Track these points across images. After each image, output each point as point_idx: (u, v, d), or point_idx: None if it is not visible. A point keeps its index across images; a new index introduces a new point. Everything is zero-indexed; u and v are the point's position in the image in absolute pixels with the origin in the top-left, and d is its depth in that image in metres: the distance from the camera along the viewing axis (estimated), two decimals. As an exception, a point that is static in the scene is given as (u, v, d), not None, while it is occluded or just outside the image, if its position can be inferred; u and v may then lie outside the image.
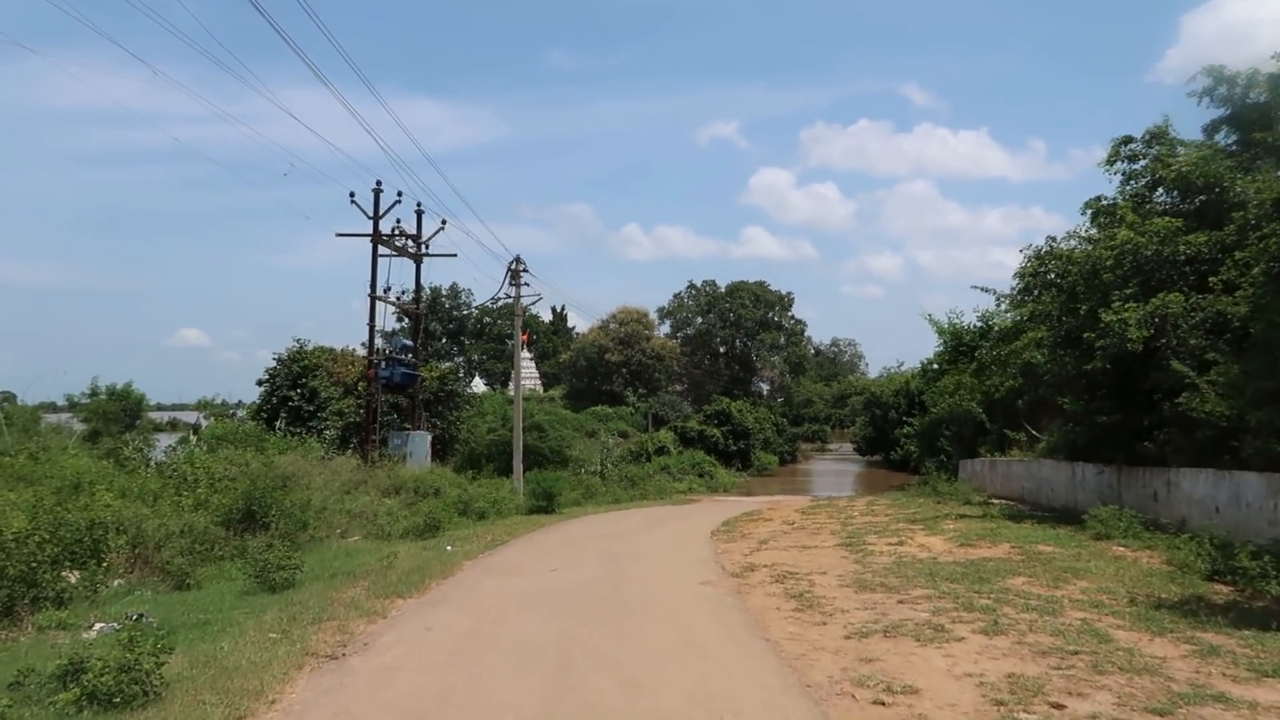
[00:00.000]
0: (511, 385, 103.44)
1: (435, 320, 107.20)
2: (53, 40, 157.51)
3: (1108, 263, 19.02)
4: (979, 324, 41.18)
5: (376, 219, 27.72)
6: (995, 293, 28.66)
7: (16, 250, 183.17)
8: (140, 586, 12.81)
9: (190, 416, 57.88)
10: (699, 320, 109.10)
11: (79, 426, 60.75)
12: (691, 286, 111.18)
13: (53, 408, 71.02)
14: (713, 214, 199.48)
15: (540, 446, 39.94)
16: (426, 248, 30.34)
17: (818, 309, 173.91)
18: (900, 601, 10.95)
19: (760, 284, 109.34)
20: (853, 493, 43.35)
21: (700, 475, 52.66)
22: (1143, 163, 21.45)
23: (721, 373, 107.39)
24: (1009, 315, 32.69)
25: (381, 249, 29.07)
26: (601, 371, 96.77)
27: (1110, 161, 22.00)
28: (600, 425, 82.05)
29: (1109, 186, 29.37)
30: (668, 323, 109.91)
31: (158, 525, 14.15)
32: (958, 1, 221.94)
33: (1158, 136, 21.62)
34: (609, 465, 47.30)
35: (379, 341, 29.07)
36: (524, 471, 37.23)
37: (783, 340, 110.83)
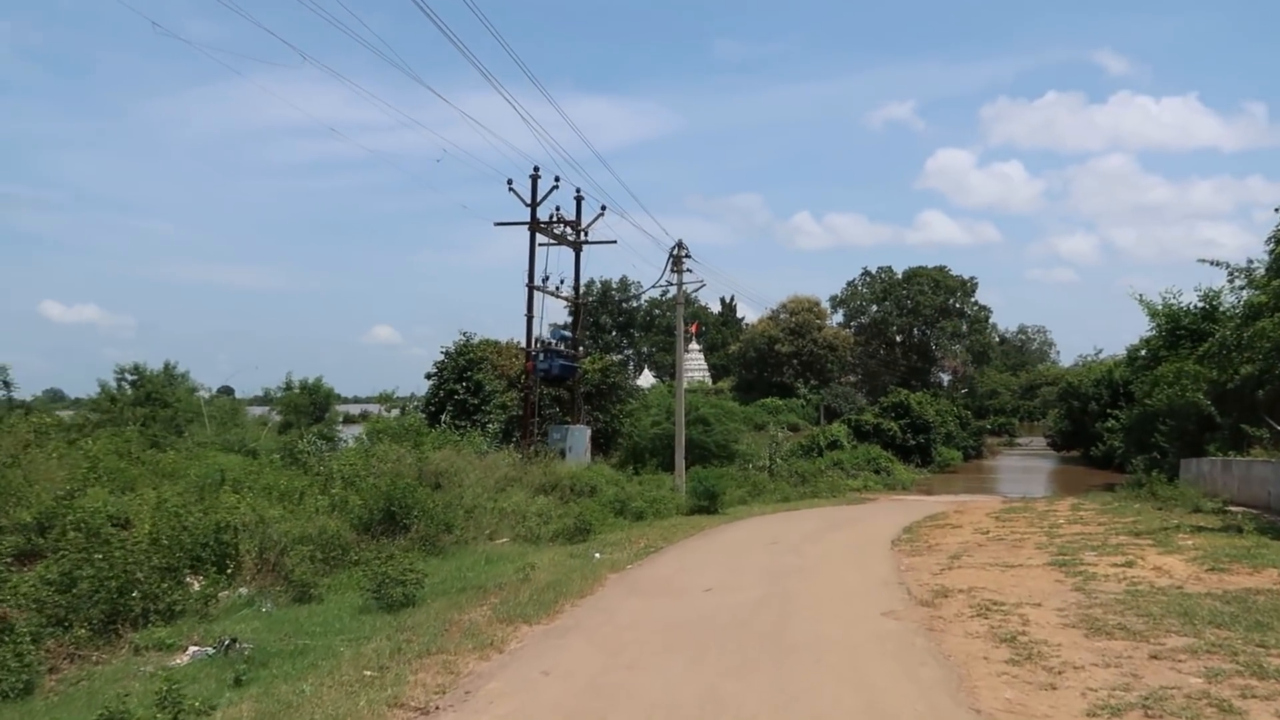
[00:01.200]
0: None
1: (605, 313, 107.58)
2: (253, 62, 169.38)
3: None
4: (1201, 305, 36.15)
5: (534, 206, 26.58)
6: (1228, 265, 24.40)
7: (233, 255, 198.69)
8: (261, 597, 11.76)
9: (376, 410, 59.58)
10: (874, 308, 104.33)
11: (277, 419, 63.95)
12: (866, 273, 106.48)
13: (262, 400, 75.58)
14: (886, 199, 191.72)
15: (705, 441, 38.07)
16: (585, 235, 29.02)
17: (1002, 295, 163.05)
18: (1154, 657, 8.28)
19: (940, 269, 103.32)
20: (1049, 493, 39.10)
21: (876, 471, 49.34)
22: None
23: (898, 363, 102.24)
24: (1245, 292, 28.11)
25: (540, 238, 27.99)
26: (771, 363, 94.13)
27: None
28: (770, 418, 79.58)
29: None
30: (840, 312, 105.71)
31: (286, 529, 13.14)
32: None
33: None
34: (778, 460, 44.90)
35: (542, 333, 28.00)
36: (687, 468, 35.58)
37: (965, 328, 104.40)
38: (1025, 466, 64.30)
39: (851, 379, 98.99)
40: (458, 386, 34.29)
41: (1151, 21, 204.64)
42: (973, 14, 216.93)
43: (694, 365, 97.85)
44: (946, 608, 10.94)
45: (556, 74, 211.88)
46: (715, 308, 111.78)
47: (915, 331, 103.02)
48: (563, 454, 27.66)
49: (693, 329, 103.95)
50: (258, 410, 66.72)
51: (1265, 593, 11.35)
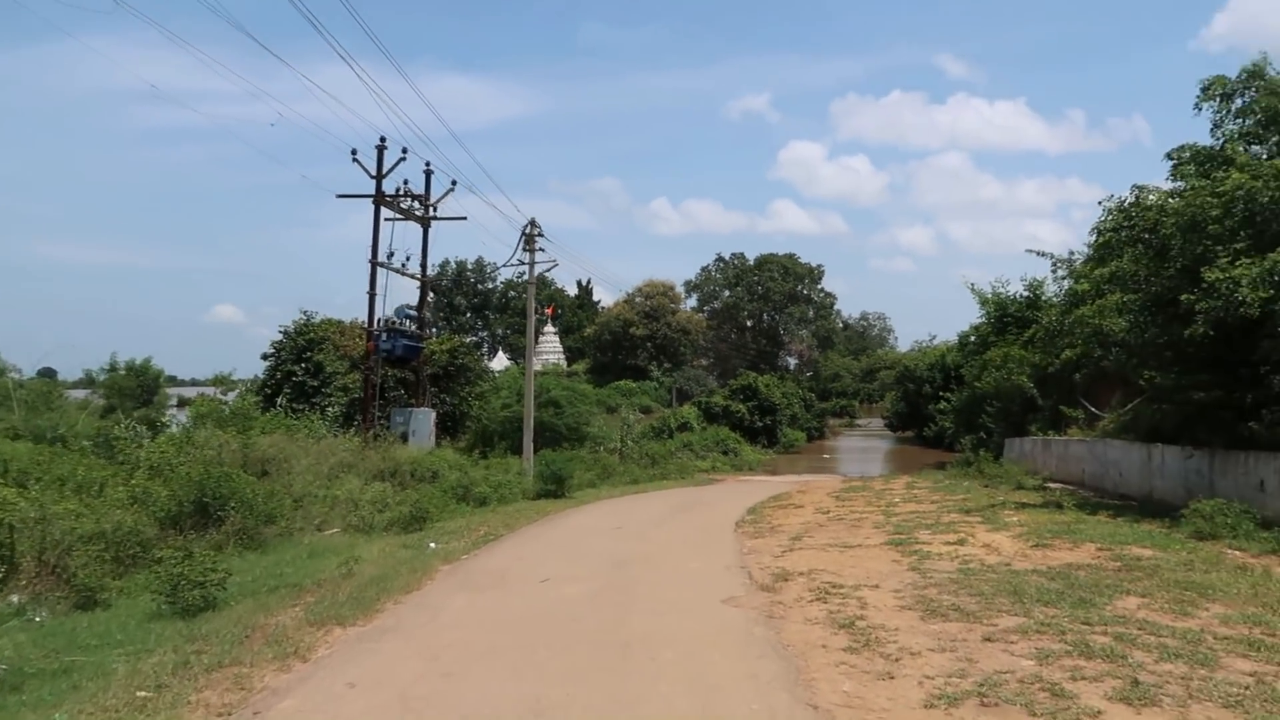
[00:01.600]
0: (534, 359, 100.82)
1: (460, 294, 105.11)
2: (85, 22, 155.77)
3: (1214, 212, 15.92)
4: (1026, 294, 38.03)
5: (379, 178, 25.05)
6: (1052, 256, 25.43)
7: (64, 228, 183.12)
8: (36, 605, 10.29)
9: (210, 393, 55.91)
10: (726, 293, 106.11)
11: (100, 402, 58.98)
12: (719, 259, 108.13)
13: (85, 383, 69.66)
14: (742, 188, 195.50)
15: (556, 423, 37.34)
16: (434, 211, 27.66)
17: (847, 283, 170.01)
18: (988, 639, 8.16)
19: (790, 256, 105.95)
20: (886, 472, 40.45)
21: (725, 453, 49.89)
22: (1241, 100, 18.25)
23: (748, 347, 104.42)
24: (1066, 282, 29.56)
25: (387, 213, 26.48)
26: (626, 346, 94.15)
27: (1202, 102, 18.79)
28: (624, 400, 79.52)
29: (1192, 135, 25.32)
30: (694, 296, 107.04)
31: (71, 526, 11.62)
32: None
33: (1255, 75, 18.39)
34: (629, 442, 44.69)
35: (387, 312, 26.50)
36: (538, 451, 34.79)
37: (811, 314, 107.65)
38: (864, 447, 66.69)
39: (704, 362, 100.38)
40: (296, 368, 32.30)
41: (988, 29, 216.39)
42: (827, 11, 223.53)
43: (549, 348, 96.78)
44: (787, 592, 10.66)
45: (418, 52, 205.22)
46: (572, 290, 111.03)
47: (765, 316, 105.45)
48: (405, 438, 26.36)
49: (548, 311, 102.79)
50: (81, 393, 61.57)
51: (1085, 567, 11.62)
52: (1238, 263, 15.01)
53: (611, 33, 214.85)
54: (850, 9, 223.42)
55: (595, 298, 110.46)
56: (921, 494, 23.80)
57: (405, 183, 26.69)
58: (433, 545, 14.71)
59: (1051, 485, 24.87)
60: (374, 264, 25.03)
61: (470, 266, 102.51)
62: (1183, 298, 15.99)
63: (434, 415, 27.04)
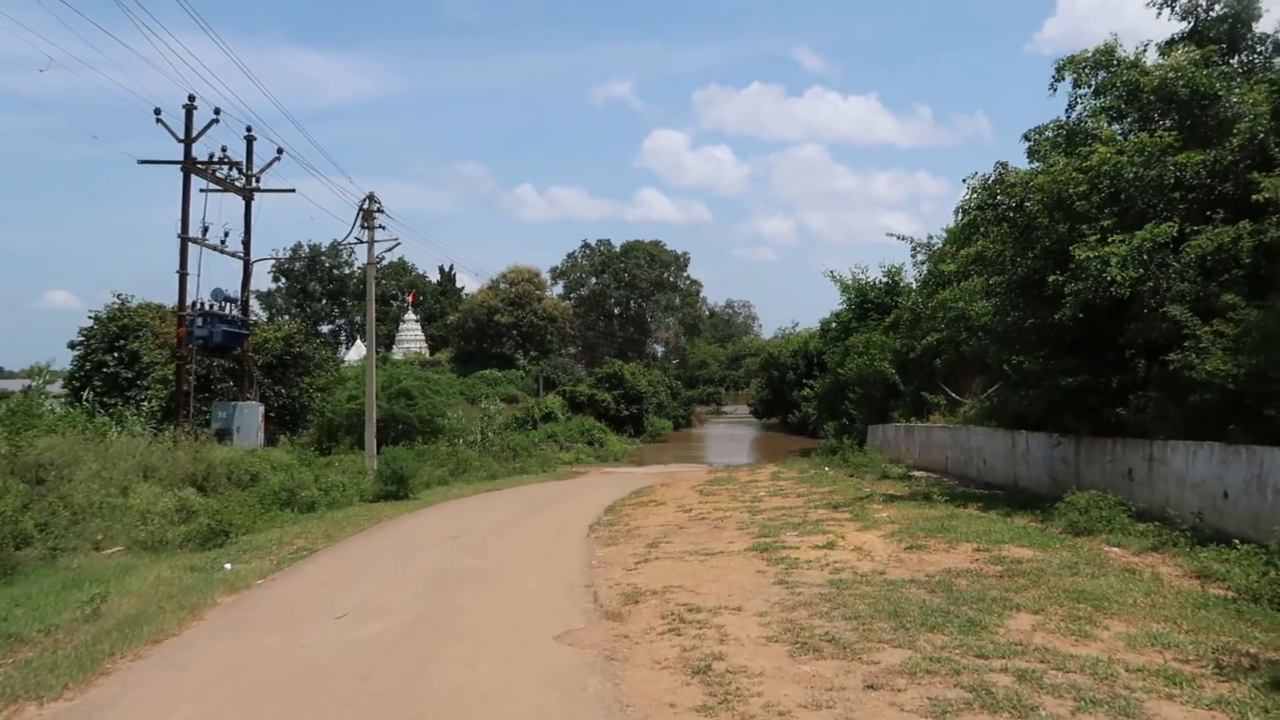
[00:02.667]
0: (395, 347, 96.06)
1: (314, 279, 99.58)
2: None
3: (1079, 188, 15.11)
4: (886, 280, 37.77)
5: (188, 142, 21.95)
6: (912, 241, 24.68)
7: None
8: None
9: (16, 385, 50.20)
10: (593, 281, 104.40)
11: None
12: (586, 246, 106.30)
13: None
14: (607, 175, 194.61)
15: (408, 416, 34.72)
16: (258, 182, 24.66)
17: (712, 271, 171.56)
18: (870, 686, 6.60)
19: (656, 244, 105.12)
20: (752, 461, 39.65)
21: (590, 443, 48.29)
22: (1100, 76, 17.58)
23: (616, 335, 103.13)
24: (925, 267, 29.08)
25: (207, 185, 23.38)
26: (491, 334, 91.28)
27: (1057, 81, 18.10)
28: (489, 390, 76.82)
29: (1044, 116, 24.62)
30: (561, 283, 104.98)
31: None
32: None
33: (1108, 53, 17.78)
34: (490, 434, 42.45)
35: (202, 295, 23.39)
36: (387, 446, 32.23)
37: (678, 301, 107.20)
38: (732, 434, 66.40)
39: (572, 350, 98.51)
40: (108, 358, 28.64)
41: (842, 25, 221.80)
42: (687, 1, 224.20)
43: (410, 336, 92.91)
44: (636, 619, 8.93)
45: (267, 25, 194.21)
46: (434, 277, 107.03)
47: (632, 304, 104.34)
48: (220, 435, 23.42)
49: (409, 299, 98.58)
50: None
51: (965, 574, 10.37)
52: (1108, 241, 14.21)
53: (475, 11, 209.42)
54: None
55: (459, 284, 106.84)
56: (787, 485, 22.68)
57: (224, 150, 23.71)
58: (228, 566, 12.33)
59: (916, 474, 24.20)
60: (184, 239, 21.94)
61: (324, 250, 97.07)
62: (1050, 278, 15.14)
63: (262, 410, 24.18)
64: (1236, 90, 15.37)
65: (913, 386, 29.48)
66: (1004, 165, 17.50)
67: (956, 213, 17.73)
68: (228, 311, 23.74)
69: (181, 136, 21.78)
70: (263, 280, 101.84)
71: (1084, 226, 15.15)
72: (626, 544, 13.89)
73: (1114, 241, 14.07)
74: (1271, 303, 12.33)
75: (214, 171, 22.43)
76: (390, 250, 25.96)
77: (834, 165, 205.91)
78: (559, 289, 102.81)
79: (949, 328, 21.05)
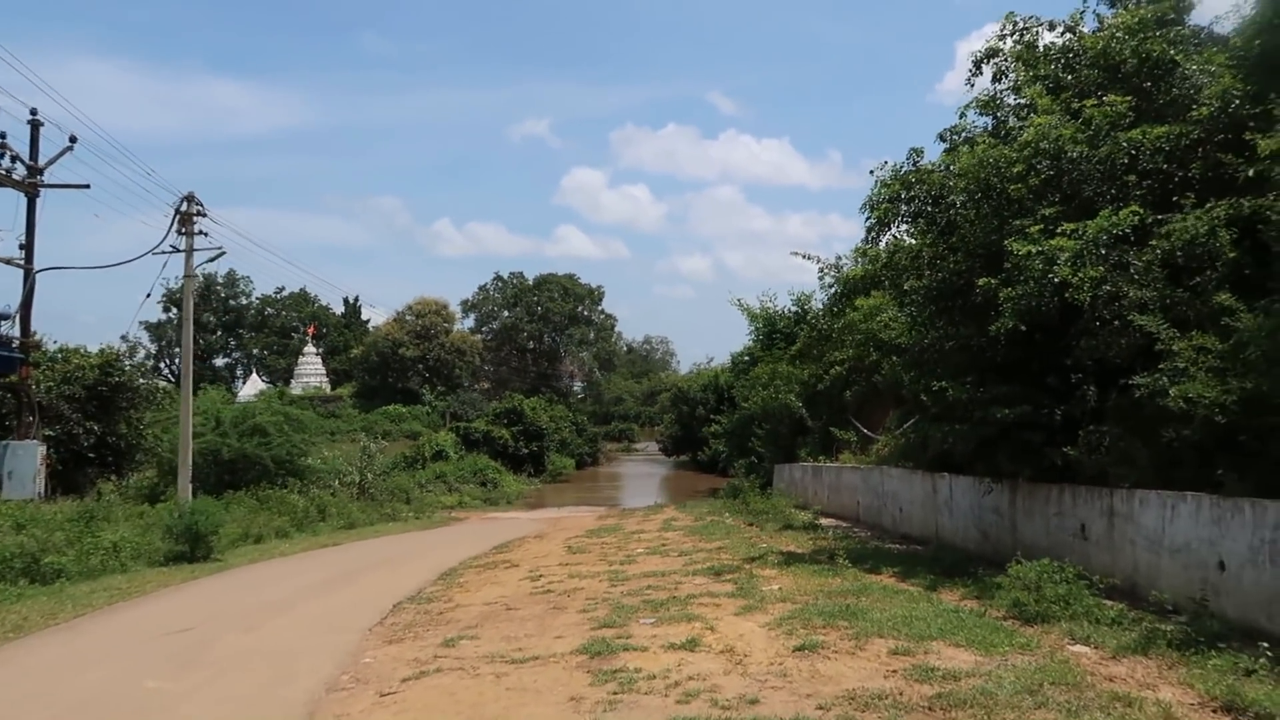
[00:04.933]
0: (294, 382, 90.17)
1: (208, 310, 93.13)
2: None
3: (1014, 169, 11.87)
4: (795, 308, 34.64)
5: (-70, 120, 17.54)
6: (819, 259, 21.28)
7: None
8: None
9: None
10: (505, 314, 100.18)
11: None
12: (498, 278, 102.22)
13: None
14: (527, 211, 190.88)
15: (261, 456, 29.98)
16: (42, 176, 20.13)
17: (631, 309, 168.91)
18: None
19: (569, 277, 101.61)
20: (652, 503, 35.85)
21: (484, 484, 43.97)
22: (1010, 43, 14.42)
23: (529, 369, 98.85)
24: (834, 289, 25.88)
25: None
26: (396, 367, 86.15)
27: (975, 76, 14.94)
28: (392, 426, 71.76)
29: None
30: (472, 316, 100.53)
31: None
32: (758, 13, 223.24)
33: (1026, 29, 14.67)
34: (369, 475, 37.85)
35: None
36: (234, 491, 27.60)
37: (592, 335, 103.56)
38: (641, 473, 62.52)
39: (485, 385, 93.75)
40: None
41: (753, 70, 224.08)
42: (605, 41, 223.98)
43: (310, 370, 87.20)
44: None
45: (181, 52, 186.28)
46: (339, 308, 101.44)
47: (545, 338, 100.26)
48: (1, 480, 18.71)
49: (309, 331, 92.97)
50: None
51: (879, 704, 6.69)
52: (1054, 233, 10.96)
53: (393, 45, 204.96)
54: (626, 41, 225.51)
55: (364, 316, 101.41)
56: (674, 539, 18.93)
57: (2, 136, 19.19)
58: None
59: (824, 522, 20.71)
60: (-78, 239, 17.41)
61: (220, 280, 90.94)
62: (980, 282, 11.83)
63: (42, 451, 19.49)
64: (1196, 57, 12.38)
65: (821, 421, 26.18)
66: (918, 152, 14.26)
67: (862, 210, 14.39)
68: (-2, 330, 19.19)
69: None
70: (152, 311, 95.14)
71: (1019, 220, 11.94)
72: (419, 639, 9.88)
73: (1063, 233, 10.81)
74: (1271, 307, 9.13)
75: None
76: (214, 260, 21.59)
77: (749, 205, 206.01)
78: (470, 322, 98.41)
79: (857, 350, 17.74)
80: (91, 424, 25.14)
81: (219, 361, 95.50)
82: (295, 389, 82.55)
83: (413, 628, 10.55)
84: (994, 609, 9.82)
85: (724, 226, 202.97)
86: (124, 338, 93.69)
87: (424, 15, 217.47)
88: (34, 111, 19.96)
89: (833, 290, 20.79)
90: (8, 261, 19.43)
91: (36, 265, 20.08)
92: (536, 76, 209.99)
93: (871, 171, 14.69)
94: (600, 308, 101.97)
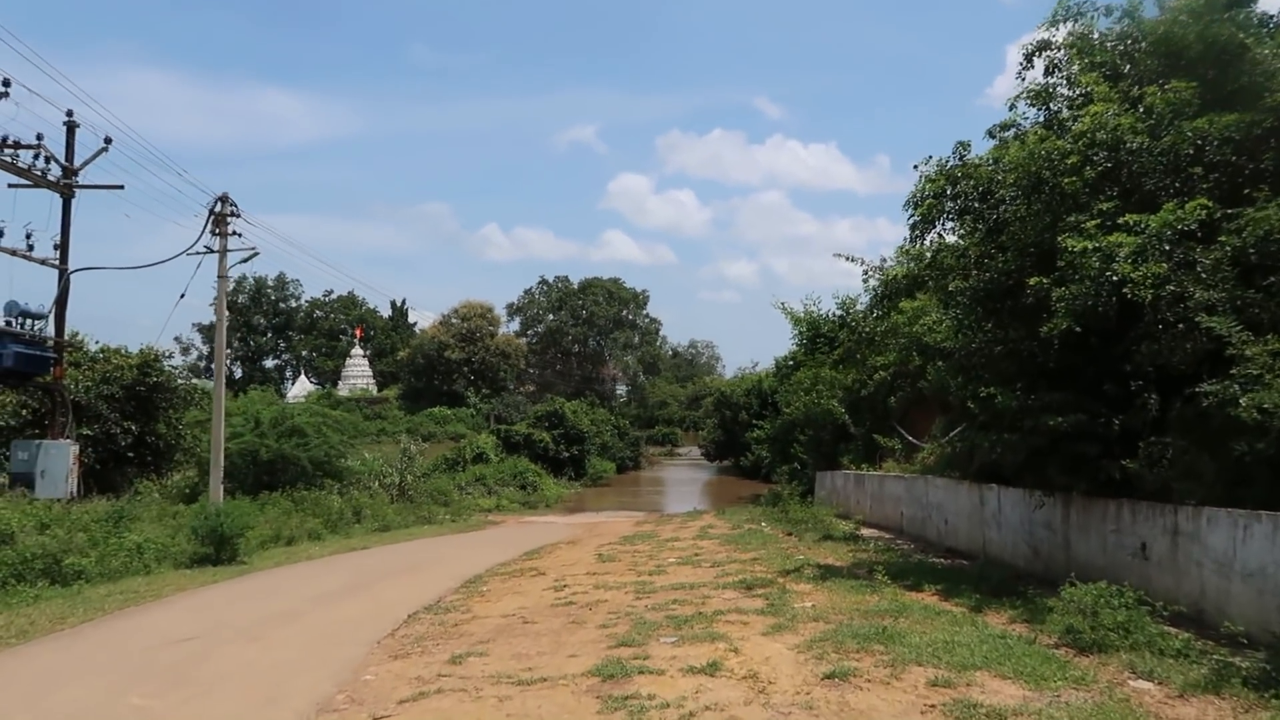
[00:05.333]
0: (341, 383, 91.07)
1: (258, 313, 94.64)
2: None
3: (1068, 160, 11.04)
4: (840, 312, 33.72)
5: (-33, 119, 17.57)
6: (862, 261, 20.35)
7: None
8: None
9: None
10: (550, 317, 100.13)
11: None
12: (543, 282, 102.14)
13: None
14: (573, 217, 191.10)
15: (298, 457, 29.92)
16: (77, 178, 20.14)
17: (677, 313, 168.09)
18: None
19: (614, 280, 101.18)
20: (693, 508, 35.15)
21: (523, 487, 43.58)
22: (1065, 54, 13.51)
23: (573, 373, 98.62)
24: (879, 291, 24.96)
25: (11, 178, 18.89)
26: (441, 370, 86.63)
27: (1025, 69, 13.93)
28: (437, 428, 72.00)
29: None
30: (518, 320, 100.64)
31: None
32: (805, 19, 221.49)
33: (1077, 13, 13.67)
34: (408, 477, 37.71)
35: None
36: (274, 492, 27.55)
37: (636, 339, 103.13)
38: (682, 479, 61.74)
39: (530, 388, 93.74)
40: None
41: (800, 75, 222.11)
42: (651, 48, 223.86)
43: (358, 372, 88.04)
44: None
45: (230, 62, 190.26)
46: (386, 311, 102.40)
47: (590, 341, 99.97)
48: (17, 481, 18.66)
49: (357, 333, 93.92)
50: None
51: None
52: (1113, 228, 10.12)
53: (439, 56, 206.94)
54: (672, 47, 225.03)
55: (411, 320, 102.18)
56: (709, 548, 18.28)
57: (40, 138, 19.19)
58: None
59: (865, 532, 19.91)
60: (-41, 239, 17.39)
61: (270, 283, 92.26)
62: (1031, 282, 11.01)
63: (75, 451, 19.46)
64: (1268, 42, 11.43)
65: (864, 428, 25.29)
66: (965, 146, 13.42)
67: (906, 207, 13.60)
68: (33, 329, 19.10)
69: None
70: (204, 314, 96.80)
71: (1073, 216, 11.09)
72: (426, 655, 9.36)
73: (1122, 228, 9.97)
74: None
75: (13, 159, 17.86)
76: (247, 260, 21.45)
77: (795, 211, 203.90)
78: (515, 326, 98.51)
79: (899, 354, 16.93)
80: (129, 423, 25.18)
81: (269, 363, 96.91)
82: (342, 390, 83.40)
83: (423, 641, 10.04)
84: (1045, 635, 9.03)
85: (770, 232, 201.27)
86: (177, 339, 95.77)
87: (471, 25, 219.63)
88: (69, 114, 19.98)
89: (875, 292, 19.94)
90: (43, 262, 19.44)
91: (71, 266, 20.05)
92: (582, 83, 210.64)
93: (916, 167, 13.91)
94: (645, 311, 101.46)
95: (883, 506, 21.12)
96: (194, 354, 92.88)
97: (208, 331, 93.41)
